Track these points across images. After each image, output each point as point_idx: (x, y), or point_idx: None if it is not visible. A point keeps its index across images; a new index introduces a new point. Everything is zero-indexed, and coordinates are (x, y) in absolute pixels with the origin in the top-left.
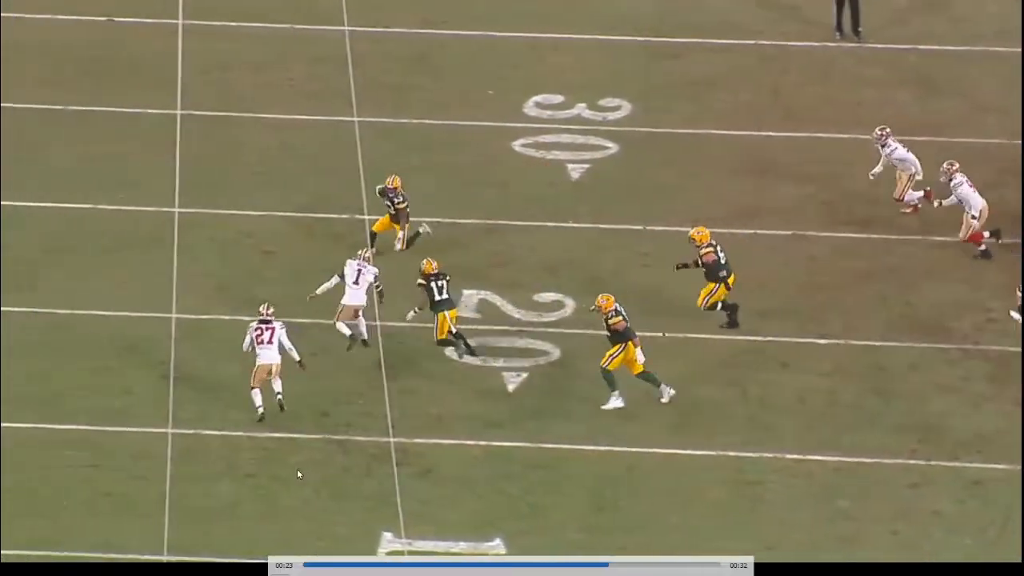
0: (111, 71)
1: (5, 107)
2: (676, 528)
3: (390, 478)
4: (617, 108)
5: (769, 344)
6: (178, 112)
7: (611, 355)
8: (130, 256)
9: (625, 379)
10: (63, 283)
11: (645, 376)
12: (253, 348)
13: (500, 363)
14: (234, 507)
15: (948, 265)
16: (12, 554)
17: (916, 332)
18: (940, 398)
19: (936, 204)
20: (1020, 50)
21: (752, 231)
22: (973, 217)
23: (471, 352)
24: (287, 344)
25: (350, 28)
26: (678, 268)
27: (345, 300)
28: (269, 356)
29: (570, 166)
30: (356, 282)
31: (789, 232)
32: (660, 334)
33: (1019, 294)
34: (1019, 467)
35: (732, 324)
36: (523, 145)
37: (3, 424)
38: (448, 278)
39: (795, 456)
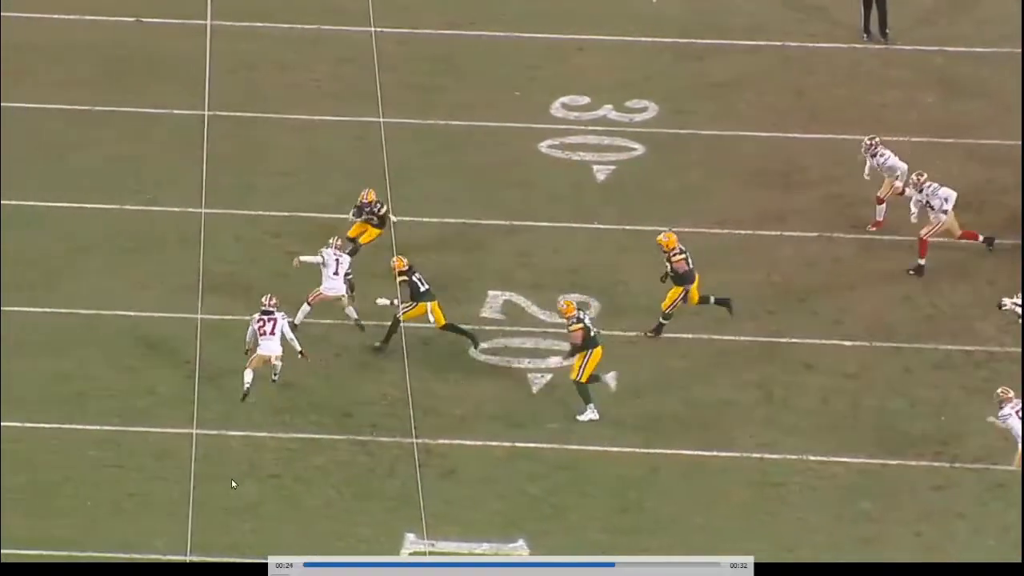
0: (138, 71)
1: (32, 107)
2: (700, 529)
3: (413, 479)
4: (643, 109)
5: (794, 345)
6: (205, 112)
7: (580, 367)
8: (155, 256)
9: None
10: (88, 283)
11: (590, 381)
12: (255, 340)
13: (524, 364)
14: (257, 507)
15: (973, 267)
16: (36, 554)
17: (941, 333)
18: (965, 400)
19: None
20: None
21: (777, 232)
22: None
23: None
24: (289, 335)
25: (376, 29)
26: (663, 280)
27: (324, 288)
28: (269, 347)
29: (596, 167)
30: (336, 273)
31: (815, 233)
32: (685, 335)
33: (1017, 299)
34: None
35: (657, 331)
36: (549, 146)
37: (27, 424)
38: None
39: (819, 458)
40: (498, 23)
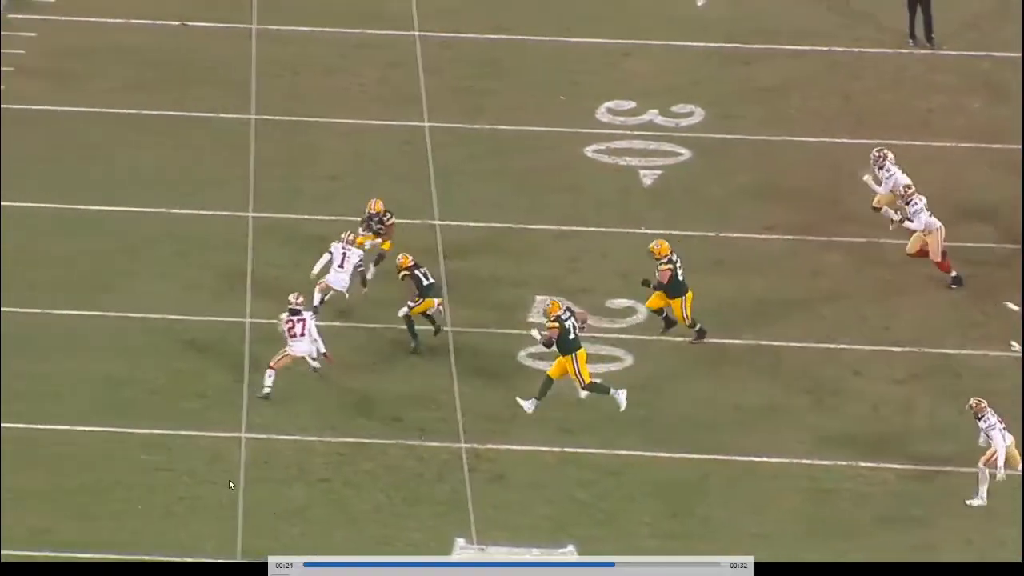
0: (184, 75)
1: (79, 111)
2: (750, 535)
3: (462, 483)
4: (689, 114)
5: (843, 352)
6: (252, 116)
7: (577, 375)
8: (204, 260)
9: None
10: (138, 286)
11: (548, 384)
12: (286, 341)
13: None
14: (306, 511)
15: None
16: (86, 557)
17: (991, 340)
18: (1016, 406)
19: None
20: None
21: (825, 238)
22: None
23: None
24: (315, 335)
25: (421, 33)
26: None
27: (328, 280)
28: (301, 348)
29: (642, 172)
30: (341, 265)
31: (863, 239)
32: (734, 341)
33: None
34: None
35: (668, 325)
36: (595, 151)
37: (79, 427)
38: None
39: (869, 464)
40: (544, 27)
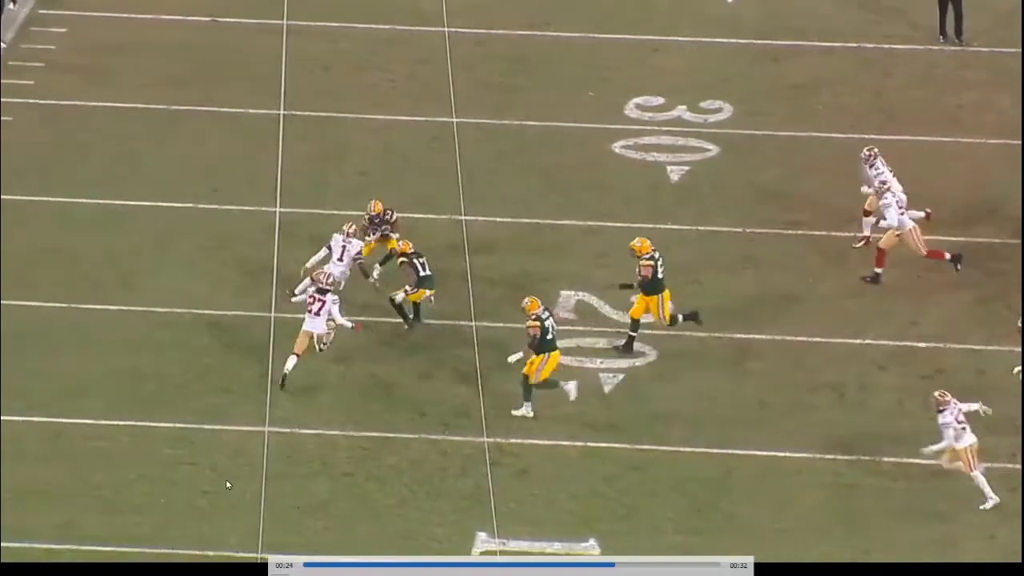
0: (214, 71)
1: (109, 107)
2: (774, 530)
3: (485, 478)
4: (718, 110)
5: (867, 347)
6: (280, 112)
7: (537, 369)
8: (231, 255)
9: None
10: (164, 281)
11: (525, 382)
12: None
13: (597, 364)
14: (330, 506)
15: None
16: (109, 551)
17: (1016, 335)
18: None
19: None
20: None
21: (852, 233)
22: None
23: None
24: (339, 318)
25: (451, 29)
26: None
27: (328, 269)
28: (312, 325)
29: (670, 168)
30: (340, 258)
31: None
32: (760, 336)
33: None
34: None
35: (626, 347)
36: (623, 147)
37: (103, 421)
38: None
39: (893, 459)
40: (573, 24)
